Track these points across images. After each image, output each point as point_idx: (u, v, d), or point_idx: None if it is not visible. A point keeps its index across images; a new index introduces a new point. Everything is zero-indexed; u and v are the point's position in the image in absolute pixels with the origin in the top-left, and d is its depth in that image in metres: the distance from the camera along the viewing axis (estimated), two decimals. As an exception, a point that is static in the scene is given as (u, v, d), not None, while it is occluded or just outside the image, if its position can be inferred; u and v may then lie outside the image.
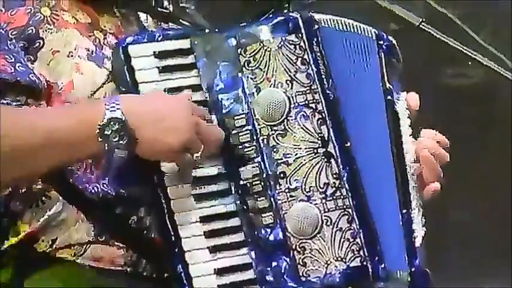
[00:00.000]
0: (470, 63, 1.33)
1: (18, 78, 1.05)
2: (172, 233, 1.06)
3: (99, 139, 0.96)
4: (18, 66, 1.05)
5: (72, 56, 1.11)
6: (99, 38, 1.16)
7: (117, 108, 0.97)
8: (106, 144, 0.97)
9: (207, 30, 1.19)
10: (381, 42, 1.25)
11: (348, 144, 1.14)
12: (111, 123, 0.96)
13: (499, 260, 4.15)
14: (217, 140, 1.08)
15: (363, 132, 1.19)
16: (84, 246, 1.11)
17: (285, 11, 1.21)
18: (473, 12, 3.42)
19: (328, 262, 1.09)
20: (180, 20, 1.30)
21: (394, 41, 1.28)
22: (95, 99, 1.08)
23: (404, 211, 1.21)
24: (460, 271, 4.16)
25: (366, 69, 1.23)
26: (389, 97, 1.24)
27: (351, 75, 1.21)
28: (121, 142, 0.96)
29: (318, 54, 1.14)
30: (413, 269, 1.18)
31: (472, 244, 4.25)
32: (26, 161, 0.99)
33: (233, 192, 1.11)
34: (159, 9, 1.27)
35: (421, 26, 1.33)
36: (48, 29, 1.10)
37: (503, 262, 4.07)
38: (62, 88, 1.09)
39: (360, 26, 1.24)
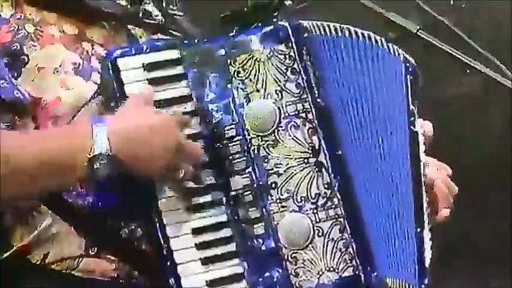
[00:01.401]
0: (468, 71, 1.32)
1: (2, 96, 1.04)
2: (164, 246, 1.06)
3: (87, 170, 0.96)
4: (2, 83, 1.05)
5: (57, 71, 1.10)
6: (87, 49, 1.15)
7: (103, 141, 0.96)
8: (94, 173, 0.96)
9: (196, 40, 1.19)
10: (408, 64, 1.20)
11: (339, 152, 1.13)
12: (99, 158, 0.96)
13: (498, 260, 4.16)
14: (197, 159, 1.08)
15: (379, 145, 1.18)
16: (77, 260, 1.10)
17: (275, 19, 1.20)
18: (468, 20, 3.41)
19: (321, 272, 1.09)
20: (170, 30, 1.30)
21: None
22: (82, 123, 1.05)
23: (418, 230, 1.18)
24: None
25: (388, 84, 1.19)
26: (412, 118, 1.19)
27: (364, 86, 1.18)
28: (108, 171, 0.96)
29: (308, 62, 1.14)
30: (423, 286, 1.16)
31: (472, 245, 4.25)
32: (20, 186, 0.98)
33: (224, 202, 1.10)
34: (147, 20, 1.27)
35: (418, 33, 1.33)
36: (33, 45, 1.09)
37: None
38: (46, 104, 1.08)
39: (383, 41, 1.20)
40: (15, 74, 1.08)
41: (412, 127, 1.19)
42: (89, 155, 0.96)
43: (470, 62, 1.31)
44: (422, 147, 1.21)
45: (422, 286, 1.16)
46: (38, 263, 1.09)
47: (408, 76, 1.19)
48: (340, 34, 1.18)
